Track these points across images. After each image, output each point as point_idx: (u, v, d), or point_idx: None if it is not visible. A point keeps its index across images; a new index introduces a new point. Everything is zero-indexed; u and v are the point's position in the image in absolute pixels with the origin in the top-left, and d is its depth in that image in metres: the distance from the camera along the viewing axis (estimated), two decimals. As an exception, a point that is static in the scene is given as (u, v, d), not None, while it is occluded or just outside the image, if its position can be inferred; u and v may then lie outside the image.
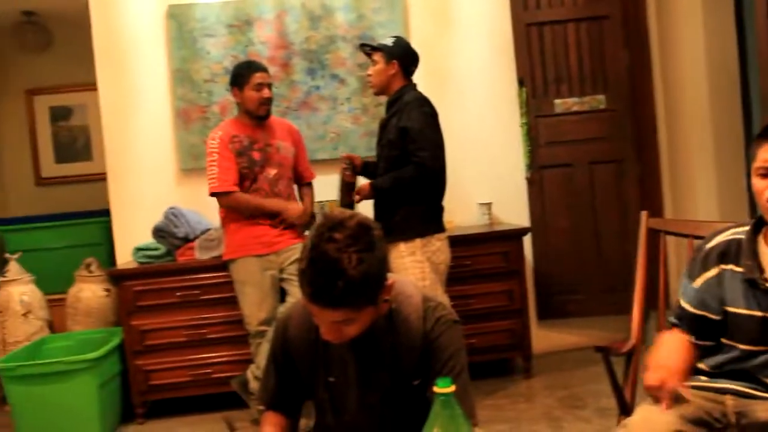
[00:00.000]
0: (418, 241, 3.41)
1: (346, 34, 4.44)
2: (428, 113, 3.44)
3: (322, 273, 1.46)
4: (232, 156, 3.65)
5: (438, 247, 3.47)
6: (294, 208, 3.77)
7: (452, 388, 1.25)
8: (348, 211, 1.59)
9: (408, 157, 3.38)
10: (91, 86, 4.59)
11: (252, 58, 4.13)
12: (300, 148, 3.93)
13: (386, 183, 3.44)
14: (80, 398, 3.73)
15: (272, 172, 3.73)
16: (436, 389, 1.25)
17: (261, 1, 4.40)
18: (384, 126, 3.54)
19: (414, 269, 3.37)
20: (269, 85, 3.73)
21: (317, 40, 4.43)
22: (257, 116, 3.71)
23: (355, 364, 1.67)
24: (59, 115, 5.42)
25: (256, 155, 3.69)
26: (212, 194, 3.67)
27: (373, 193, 3.49)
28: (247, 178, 3.69)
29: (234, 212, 3.71)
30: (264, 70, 3.75)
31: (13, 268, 4.46)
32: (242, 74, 3.69)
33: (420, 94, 3.52)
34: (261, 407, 1.86)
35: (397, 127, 3.41)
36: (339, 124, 4.45)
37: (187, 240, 4.03)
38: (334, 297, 1.47)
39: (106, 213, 4.53)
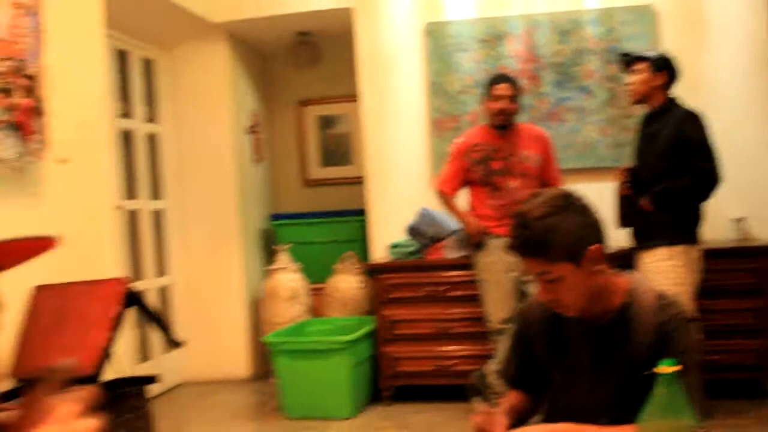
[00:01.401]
0: (680, 248, 3.40)
1: (595, 47, 4.52)
2: (706, 126, 3.45)
3: (515, 224, 1.71)
4: (463, 165, 3.97)
5: (697, 256, 3.47)
6: (469, 222, 3.98)
7: (676, 368, 1.27)
8: None
9: (681, 168, 3.38)
10: (354, 98, 5.08)
11: (502, 71, 4.34)
12: (548, 154, 4.05)
13: (669, 194, 3.44)
14: (336, 375, 4.16)
15: (514, 182, 3.91)
16: (659, 369, 1.29)
17: (511, 17, 4.62)
18: (651, 137, 3.53)
19: (671, 273, 3.36)
20: (511, 97, 3.91)
21: (565, 54, 4.56)
22: (496, 126, 3.94)
23: (590, 352, 1.80)
24: (325, 123, 6.01)
25: (496, 165, 3.90)
26: (437, 191, 4.10)
27: (652, 205, 3.47)
28: (485, 186, 3.93)
29: (480, 214, 3.99)
30: (508, 81, 3.95)
31: (283, 258, 5.04)
32: (487, 86, 3.96)
33: (689, 107, 3.53)
34: (502, 387, 2.04)
35: (672, 138, 3.41)
36: (586, 134, 4.54)
37: (437, 239, 4.35)
38: (519, 244, 1.69)
39: (363, 212, 4.98)
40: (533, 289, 3.82)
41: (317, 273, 5.07)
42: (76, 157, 3.45)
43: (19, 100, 2.91)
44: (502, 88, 3.91)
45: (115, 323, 2.79)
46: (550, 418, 1.85)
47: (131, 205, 4.85)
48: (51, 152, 3.19)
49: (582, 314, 1.77)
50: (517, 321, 2.01)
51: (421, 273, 4.32)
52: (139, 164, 5.00)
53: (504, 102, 3.89)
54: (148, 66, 5.20)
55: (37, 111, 3.03)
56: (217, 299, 5.28)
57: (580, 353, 1.81)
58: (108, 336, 2.77)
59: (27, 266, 2.93)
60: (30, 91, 2.97)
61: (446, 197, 4.05)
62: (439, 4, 4.76)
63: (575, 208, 1.71)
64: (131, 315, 3.21)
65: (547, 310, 1.83)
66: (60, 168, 3.31)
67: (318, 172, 6.01)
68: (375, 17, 4.86)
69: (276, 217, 5.64)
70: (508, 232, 3.46)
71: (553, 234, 1.66)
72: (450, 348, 4.29)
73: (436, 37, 4.72)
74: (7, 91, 2.86)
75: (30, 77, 2.98)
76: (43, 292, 3.07)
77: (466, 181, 4.02)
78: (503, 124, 3.93)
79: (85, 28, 3.63)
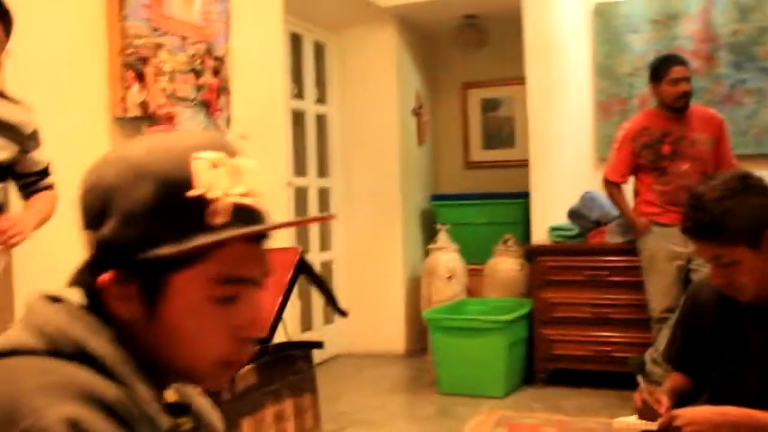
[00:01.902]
0: None
1: (779, 25, 4.27)
2: None
3: (690, 207, 1.68)
4: (631, 150, 3.87)
5: None
6: (632, 219, 3.90)
7: None
8: None
9: None
10: (518, 80, 5.07)
11: (674, 53, 4.19)
12: (721, 137, 3.90)
13: None
14: (491, 354, 4.22)
15: (684, 166, 3.79)
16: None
17: (689, -5, 4.45)
18: None
19: None
20: (687, 79, 3.79)
21: (745, 32, 4.33)
22: (674, 109, 3.81)
23: (763, 338, 1.76)
24: (489, 106, 6.03)
25: (666, 149, 3.79)
26: (604, 178, 4.03)
27: None
28: (651, 170, 3.83)
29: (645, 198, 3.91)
30: (682, 63, 3.82)
31: (442, 237, 5.14)
32: (660, 68, 3.83)
33: None
34: (666, 368, 2.03)
35: None
36: (765, 118, 4.30)
37: (599, 224, 4.29)
38: (693, 227, 1.67)
39: (524, 195, 4.98)
40: (698, 278, 3.73)
41: (475, 254, 5.12)
42: (254, 134, 3.68)
43: (208, 80, 3.16)
44: (680, 71, 3.79)
45: (288, 289, 2.98)
46: (715, 403, 1.82)
47: (300, 181, 5.11)
48: (233, 128, 3.43)
49: (757, 300, 1.73)
50: (685, 303, 1.98)
51: (582, 257, 4.27)
52: (308, 143, 5.25)
53: (685, 85, 3.78)
54: (319, 49, 5.43)
55: (223, 90, 3.27)
56: (377, 275, 5.45)
57: (752, 339, 1.78)
58: (280, 301, 2.97)
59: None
60: (217, 71, 3.22)
61: (614, 188, 3.99)
62: (609, -16, 4.66)
63: (754, 189, 1.67)
64: (301, 283, 3.41)
65: (719, 294, 1.80)
66: (240, 144, 3.56)
67: (480, 154, 6.05)
68: (543, -1, 4.82)
69: (437, 197, 5.75)
70: (672, 221, 3.40)
71: (730, 217, 1.63)
72: (608, 334, 4.23)
73: (606, 17, 4.62)
74: (198, 72, 3.12)
75: (218, 59, 3.22)
76: (223, 258, 3.32)
77: (635, 167, 3.94)
78: (682, 107, 3.82)
79: (266, 13, 3.86)
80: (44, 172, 2.36)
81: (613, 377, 4.16)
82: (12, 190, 2.33)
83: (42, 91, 2.49)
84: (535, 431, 3.70)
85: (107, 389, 0.72)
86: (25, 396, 0.69)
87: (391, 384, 4.79)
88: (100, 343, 0.77)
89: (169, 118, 2.88)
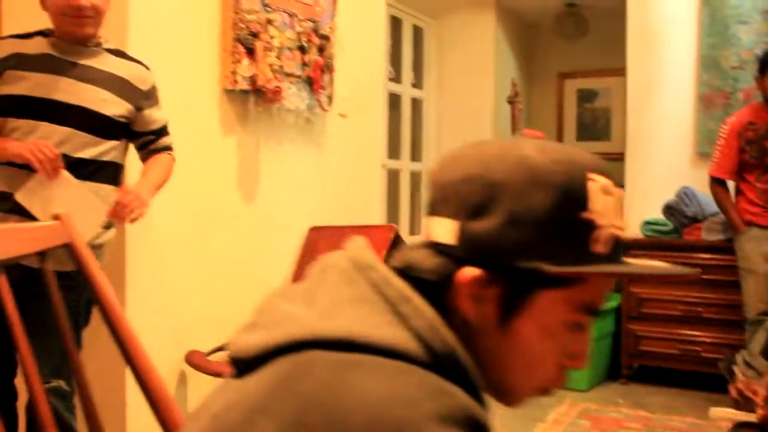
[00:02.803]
0: None
1: None
2: None
3: None
4: (737, 146, 3.76)
5: None
6: (734, 220, 3.81)
7: None
8: None
9: None
10: (617, 72, 4.98)
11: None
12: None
13: None
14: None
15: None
16: None
17: (805, -12, 4.29)
18: None
19: None
20: None
21: None
22: None
23: None
24: (585, 97, 5.96)
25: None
26: (710, 177, 3.93)
27: None
28: (755, 167, 3.73)
29: (746, 196, 3.80)
30: None
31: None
32: (766, 61, 3.73)
33: None
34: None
35: None
36: None
37: (695, 220, 4.19)
38: None
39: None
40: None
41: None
42: (353, 114, 3.76)
43: (313, 57, 3.24)
44: None
45: (381, 265, 3.04)
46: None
47: (393, 164, 5.17)
48: (334, 107, 3.52)
49: None
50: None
51: (676, 252, 4.19)
52: (403, 127, 5.30)
53: None
54: (417, 33, 5.47)
55: (326, 68, 3.35)
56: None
57: None
58: (373, 276, 3.03)
59: (305, 208, 3.27)
60: (322, 49, 3.30)
61: (719, 186, 3.90)
62: (719, -25, 4.53)
63: None
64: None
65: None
66: (340, 122, 3.65)
67: (574, 145, 5.99)
68: (648, -13, 4.72)
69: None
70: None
71: None
72: (698, 333, 4.14)
73: (714, 7, 4.49)
74: (304, 49, 3.20)
75: (323, 37, 3.30)
76: (318, 232, 3.42)
77: (740, 164, 3.84)
78: None
79: (370, -5, 3.93)
80: (161, 132, 2.37)
81: (700, 378, 4.08)
82: (129, 150, 2.39)
83: (158, 60, 2.60)
84: (619, 425, 3.66)
85: (478, 409, 0.67)
86: (422, 424, 0.62)
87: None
88: (460, 348, 0.73)
89: (276, 93, 2.98)
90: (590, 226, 0.74)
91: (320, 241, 3.36)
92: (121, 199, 2.16)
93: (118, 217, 2.17)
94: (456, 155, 0.80)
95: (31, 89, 2.13)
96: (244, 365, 0.72)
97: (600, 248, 0.75)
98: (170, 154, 2.40)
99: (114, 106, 2.23)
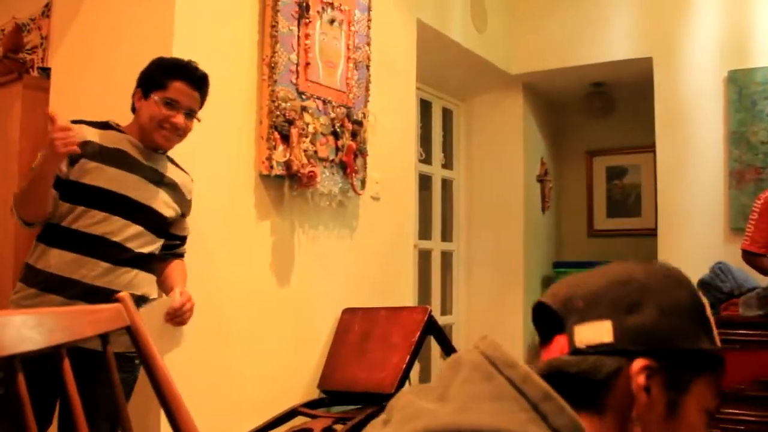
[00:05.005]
0: None
1: None
2: None
3: None
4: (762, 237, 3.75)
5: None
6: None
7: None
8: None
9: None
10: (646, 148, 5.03)
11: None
12: None
13: None
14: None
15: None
16: None
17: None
18: None
19: None
20: None
21: None
22: None
23: None
24: (614, 174, 5.99)
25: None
26: (743, 250, 3.91)
27: None
28: None
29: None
30: None
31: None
32: None
33: None
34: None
35: None
36: None
37: (732, 295, 4.14)
38: None
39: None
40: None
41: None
42: (385, 196, 3.82)
43: (347, 141, 3.32)
44: None
45: (416, 348, 3.04)
46: None
47: (424, 244, 5.20)
48: (367, 190, 3.58)
49: None
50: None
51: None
52: (434, 207, 5.35)
53: None
54: (446, 115, 5.58)
55: (360, 152, 3.43)
56: (498, 341, 5.40)
57: None
58: (408, 359, 3.03)
59: (338, 290, 3.29)
60: (355, 134, 3.38)
61: (754, 258, 3.89)
62: (743, 51, 4.59)
63: None
64: (427, 343, 3.46)
65: None
66: (373, 204, 3.70)
67: (604, 222, 5.99)
68: (674, 66, 4.79)
69: (559, 264, 5.70)
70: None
71: None
72: (740, 411, 4.03)
73: (740, 84, 4.55)
74: (337, 134, 3.29)
75: (356, 122, 3.39)
76: (352, 314, 3.43)
77: None
78: None
79: (401, 81, 4.04)
80: (185, 239, 2.52)
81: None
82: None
83: (198, 147, 2.69)
84: None
85: None
86: None
87: None
88: None
89: (310, 177, 3.04)
90: (710, 323, 0.86)
91: (354, 322, 3.37)
92: (185, 306, 2.26)
93: (179, 320, 2.26)
94: (579, 275, 0.90)
95: (109, 182, 2.22)
96: None
97: (719, 343, 0.85)
98: (184, 262, 2.52)
99: (170, 210, 2.37)
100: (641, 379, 0.80)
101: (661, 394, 0.81)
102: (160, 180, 2.34)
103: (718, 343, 0.85)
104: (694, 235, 4.64)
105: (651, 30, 4.89)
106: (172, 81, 2.27)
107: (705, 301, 0.87)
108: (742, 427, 4.01)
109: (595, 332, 0.82)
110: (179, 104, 2.28)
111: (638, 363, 0.80)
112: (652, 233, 4.80)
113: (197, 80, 2.32)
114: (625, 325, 0.82)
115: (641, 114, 5.05)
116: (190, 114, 2.33)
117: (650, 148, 4.90)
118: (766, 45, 4.52)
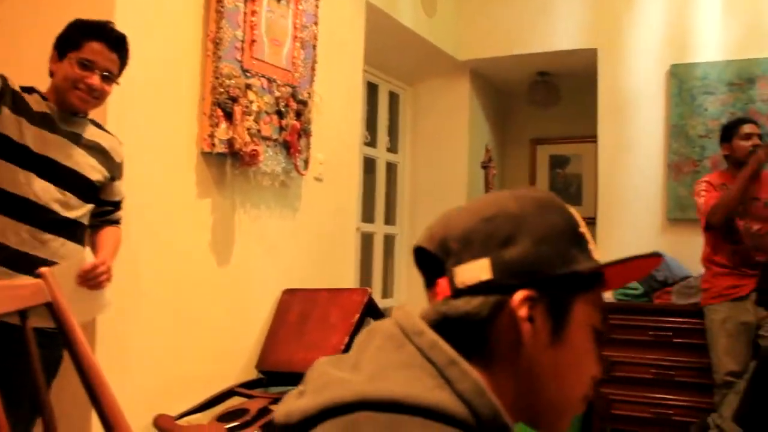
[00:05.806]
0: None
1: None
2: None
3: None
4: (718, 195, 3.83)
5: None
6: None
7: None
8: None
9: None
10: (588, 138, 5.11)
11: (747, 116, 4.22)
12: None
13: None
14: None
15: (754, 226, 3.80)
16: None
17: (765, 60, 4.45)
18: None
19: None
20: (759, 136, 3.87)
21: (825, 101, 4.31)
22: (742, 164, 3.83)
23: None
24: (557, 162, 6.08)
25: (740, 207, 3.81)
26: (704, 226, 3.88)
27: None
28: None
29: (715, 259, 3.88)
30: (753, 122, 3.93)
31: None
32: (730, 127, 3.95)
33: None
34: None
35: None
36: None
37: (665, 284, 4.26)
38: None
39: (589, 252, 4.96)
40: (766, 343, 3.68)
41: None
42: (329, 178, 3.80)
43: (291, 121, 3.30)
44: (751, 127, 3.87)
45: (355, 329, 3.05)
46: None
47: (367, 227, 5.20)
48: (311, 170, 3.56)
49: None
50: (758, 366, 1.98)
51: (647, 316, 4.24)
52: (378, 190, 5.36)
53: (756, 140, 3.84)
54: (393, 99, 5.58)
55: (304, 132, 3.41)
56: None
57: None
58: (346, 340, 3.03)
59: (279, 271, 3.27)
60: (299, 114, 3.36)
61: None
62: (685, 46, 4.69)
63: None
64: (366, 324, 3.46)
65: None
66: (315, 185, 3.68)
67: (546, 209, 6.07)
68: (618, 58, 4.88)
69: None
70: (746, 292, 3.39)
71: None
72: (670, 396, 4.16)
73: (681, 79, 4.65)
74: (282, 113, 3.26)
75: (301, 102, 3.36)
76: (292, 294, 3.42)
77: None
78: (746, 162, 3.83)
79: (348, 62, 4.02)
80: (119, 205, 2.46)
81: (675, 442, 4.09)
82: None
83: (137, 123, 2.64)
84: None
85: None
86: None
87: None
88: (504, 411, 0.76)
89: (253, 156, 3.01)
90: (585, 239, 0.85)
91: (294, 303, 3.36)
92: (99, 269, 2.20)
93: (93, 283, 2.20)
94: (451, 213, 0.88)
95: (33, 142, 2.16)
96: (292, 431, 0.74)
97: (597, 256, 0.85)
98: (120, 229, 2.47)
99: (97, 173, 2.31)
100: (523, 311, 0.79)
101: (545, 321, 0.80)
102: (82, 143, 2.29)
103: (595, 258, 0.84)
104: (632, 224, 4.75)
105: (596, 22, 4.96)
106: (87, 41, 2.20)
107: (578, 217, 0.86)
108: (671, 412, 4.14)
109: (474, 271, 0.81)
110: (95, 65, 2.21)
111: (519, 295, 0.79)
112: (591, 221, 4.89)
113: (114, 41, 2.25)
114: (502, 259, 0.81)
115: (585, 104, 5.14)
116: (108, 77, 2.26)
117: (593, 138, 4.98)
118: (708, 41, 4.63)
